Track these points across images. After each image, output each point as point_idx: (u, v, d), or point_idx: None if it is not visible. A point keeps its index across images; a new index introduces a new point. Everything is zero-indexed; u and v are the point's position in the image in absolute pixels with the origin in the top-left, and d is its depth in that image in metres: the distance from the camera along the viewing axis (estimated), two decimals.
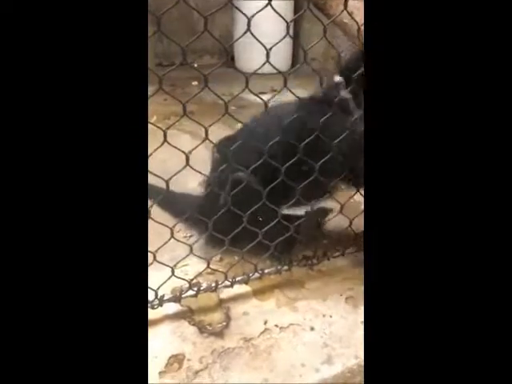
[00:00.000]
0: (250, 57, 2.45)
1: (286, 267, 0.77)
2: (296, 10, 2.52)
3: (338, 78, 0.73)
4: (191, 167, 0.58)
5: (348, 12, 0.72)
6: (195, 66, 2.56)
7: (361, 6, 1.67)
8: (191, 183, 1.05)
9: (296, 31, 2.58)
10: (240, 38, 0.65)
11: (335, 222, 0.86)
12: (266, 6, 0.58)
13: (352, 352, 0.62)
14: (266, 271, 0.75)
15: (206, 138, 0.59)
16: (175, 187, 0.59)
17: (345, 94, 0.72)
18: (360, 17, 0.92)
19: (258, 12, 0.59)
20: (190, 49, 2.35)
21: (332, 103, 0.68)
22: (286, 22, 0.60)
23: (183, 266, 0.78)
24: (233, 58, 2.59)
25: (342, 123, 0.68)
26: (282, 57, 2.55)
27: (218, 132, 1.24)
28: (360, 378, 0.60)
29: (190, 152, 0.58)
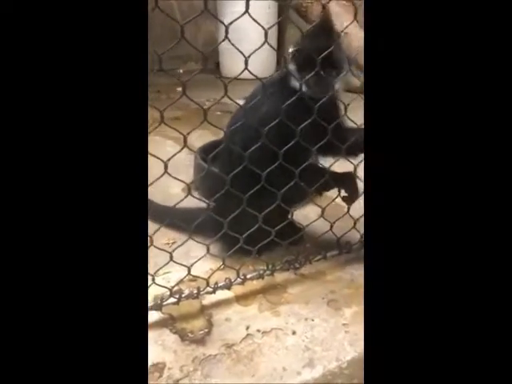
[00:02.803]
0: (234, 63, 2.47)
1: (268, 272, 0.77)
2: (280, 16, 2.55)
3: (290, 49, 0.73)
4: (169, 175, 0.58)
5: (328, 17, 0.73)
6: (180, 71, 2.56)
7: (341, 12, 1.70)
8: (174, 189, 1.05)
9: (281, 37, 2.61)
10: (219, 44, 0.66)
11: (317, 225, 0.87)
12: (244, 14, 0.59)
13: (333, 355, 0.62)
14: (249, 276, 0.75)
15: (185, 145, 0.59)
16: (157, 193, 0.59)
17: (290, 66, 0.72)
18: (340, 23, 0.93)
19: (235, 20, 0.60)
20: (174, 55, 2.35)
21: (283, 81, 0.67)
22: (264, 29, 0.61)
23: (165, 273, 0.77)
24: (218, 64, 2.60)
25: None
26: (266, 62, 2.57)
27: (203, 138, 1.25)
28: (341, 380, 0.61)
29: (169, 160, 0.58)
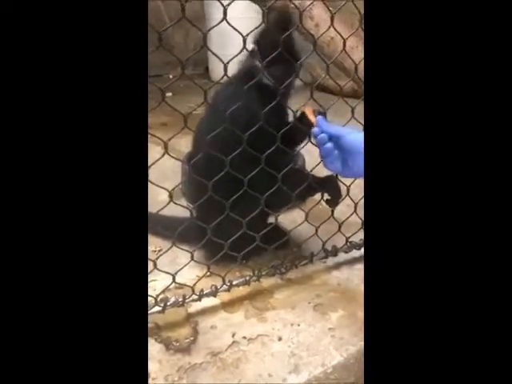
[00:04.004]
0: (222, 68, 2.47)
1: (254, 278, 0.76)
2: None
3: (251, 46, 0.72)
4: (151, 182, 0.58)
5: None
6: (170, 77, 2.56)
7: (327, 18, 1.71)
8: (162, 196, 1.04)
9: None
10: (198, 51, 0.66)
11: (303, 229, 0.87)
12: (222, 20, 0.59)
13: (319, 360, 0.62)
14: (235, 282, 0.75)
15: (166, 151, 0.59)
16: None
17: (257, 62, 0.72)
18: (325, 28, 0.94)
19: (214, 27, 0.60)
20: (163, 60, 2.35)
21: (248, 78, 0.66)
22: (243, 36, 0.61)
23: (151, 281, 0.76)
24: (207, 69, 2.61)
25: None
26: None
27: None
28: None
29: (149, 166, 0.58)
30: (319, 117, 0.70)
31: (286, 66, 0.69)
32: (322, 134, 0.67)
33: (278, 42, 0.64)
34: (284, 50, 0.64)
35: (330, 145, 0.67)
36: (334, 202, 0.78)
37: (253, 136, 0.65)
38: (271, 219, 0.80)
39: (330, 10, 0.65)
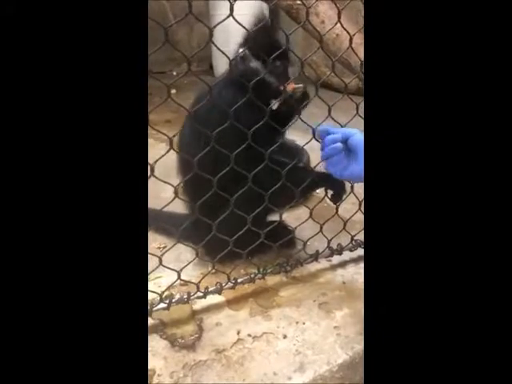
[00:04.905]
0: (226, 64, 2.46)
1: (259, 275, 0.76)
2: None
3: (240, 50, 0.70)
4: (156, 177, 0.58)
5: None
6: (174, 73, 2.56)
7: (332, 15, 1.71)
8: (166, 193, 1.04)
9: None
10: (204, 48, 0.66)
11: (308, 227, 0.87)
12: (228, 16, 0.58)
13: (324, 358, 0.62)
14: (240, 280, 0.75)
15: (171, 147, 0.59)
16: (148, 197, 0.58)
17: (254, 64, 0.71)
18: (331, 25, 0.93)
19: (219, 23, 0.60)
20: (167, 57, 2.35)
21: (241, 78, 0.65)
22: (247, 30, 0.61)
23: (156, 277, 0.76)
24: (211, 66, 2.60)
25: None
26: None
27: None
28: (332, 383, 0.60)
29: (155, 163, 0.58)
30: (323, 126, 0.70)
31: (281, 60, 0.69)
32: (334, 135, 0.66)
33: (269, 38, 0.63)
34: (274, 45, 0.64)
35: (339, 145, 0.65)
36: (338, 197, 0.78)
37: (253, 135, 0.65)
38: (273, 217, 0.79)
39: (337, 6, 0.64)
